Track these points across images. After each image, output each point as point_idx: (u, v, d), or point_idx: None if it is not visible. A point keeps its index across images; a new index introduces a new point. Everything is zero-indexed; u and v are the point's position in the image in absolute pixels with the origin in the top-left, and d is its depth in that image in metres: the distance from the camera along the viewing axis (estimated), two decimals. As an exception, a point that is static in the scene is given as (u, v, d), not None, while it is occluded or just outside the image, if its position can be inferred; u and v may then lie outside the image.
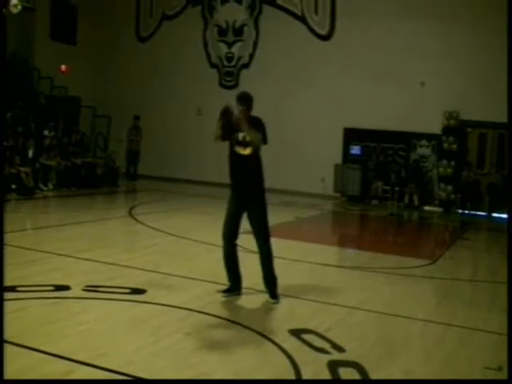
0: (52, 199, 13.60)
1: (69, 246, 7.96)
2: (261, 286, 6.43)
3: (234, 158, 5.95)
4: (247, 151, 5.87)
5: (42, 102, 17.21)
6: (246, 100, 5.98)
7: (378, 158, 16.53)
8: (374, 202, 16.21)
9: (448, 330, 5.50)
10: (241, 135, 5.88)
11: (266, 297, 6.12)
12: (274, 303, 5.91)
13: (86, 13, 19.08)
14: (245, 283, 6.25)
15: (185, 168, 17.87)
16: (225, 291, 6.05)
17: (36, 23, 17.67)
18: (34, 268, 6.66)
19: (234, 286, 6.09)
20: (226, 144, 6.02)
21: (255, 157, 5.92)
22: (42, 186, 13.98)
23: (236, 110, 5.92)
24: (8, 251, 6.50)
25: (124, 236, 10.02)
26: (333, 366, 4.30)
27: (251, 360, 4.41)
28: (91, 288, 5.93)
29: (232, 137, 5.90)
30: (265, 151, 17.21)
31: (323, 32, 17.10)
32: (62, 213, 11.80)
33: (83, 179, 15.18)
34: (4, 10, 13.10)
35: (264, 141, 5.96)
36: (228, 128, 5.86)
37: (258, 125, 5.93)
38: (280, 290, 6.33)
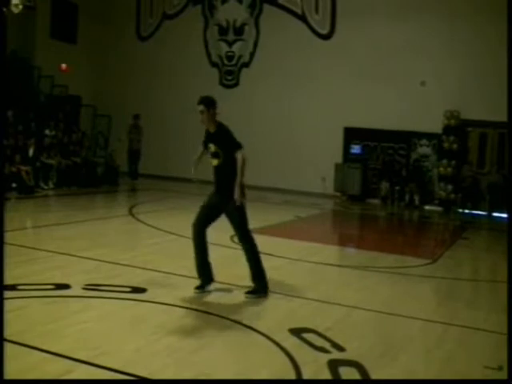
0: (52, 198, 13.60)
1: (69, 244, 7.95)
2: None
3: (212, 167, 6.07)
4: (214, 162, 5.98)
5: (42, 100, 17.22)
6: (206, 102, 5.97)
7: (384, 157, 16.50)
8: (375, 201, 16.23)
9: (448, 329, 5.49)
10: (210, 146, 6.00)
11: (266, 295, 6.12)
12: (248, 298, 5.91)
13: (86, 12, 19.10)
14: (245, 283, 6.24)
15: (185, 167, 17.82)
16: (198, 287, 6.02)
17: (36, 22, 17.70)
18: (34, 267, 6.66)
19: (205, 283, 6.06)
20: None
21: (224, 167, 5.93)
22: (42, 184, 13.98)
23: (202, 114, 5.95)
24: (8, 250, 6.51)
25: (124, 235, 10.00)
26: (333, 365, 4.29)
27: (251, 359, 4.41)
28: (91, 287, 5.92)
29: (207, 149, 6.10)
30: (265, 150, 17.10)
31: (324, 31, 17.10)
32: (63, 211, 11.81)
33: (84, 178, 15.18)
34: (5, 9, 13.09)
35: (233, 147, 5.89)
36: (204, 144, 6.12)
37: (221, 134, 5.95)
38: (280, 289, 6.35)
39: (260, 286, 6.03)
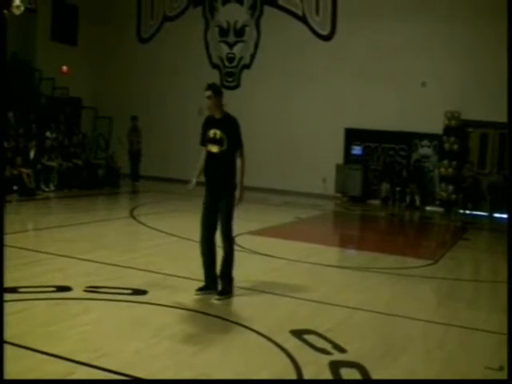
0: (53, 200, 13.60)
1: (70, 247, 7.95)
2: (261, 286, 6.48)
3: (208, 155, 6.04)
4: (215, 149, 5.94)
5: (43, 102, 17.23)
6: (214, 89, 5.99)
7: (384, 158, 16.50)
8: (376, 202, 16.24)
9: (449, 330, 5.49)
10: (211, 132, 5.96)
11: (267, 297, 6.12)
12: (219, 299, 5.87)
13: (86, 14, 19.10)
14: (245, 284, 6.24)
15: (186, 168, 17.82)
16: (200, 289, 6.02)
17: (37, 24, 17.70)
18: (35, 269, 6.66)
19: (209, 285, 6.05)
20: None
21: (225, 155, 5.92)
22: (43, 187, 13.99)
23: (209, 99, 5.94)
24: (10, 252, 6.50)
25: (125, 237, 10.00)
26: (334, 366, 4.29)
27: (252, 360, 4.41)
28: (92, 289, 5.92)
29: (206, 137, 6.04)
30: (266, 152, 17.11)
31: (324, 32, 17.09)
32: (64, 214, 11.81)
33: (85, 180, 15.18)
34: (5, 12, 13.09)
35: (236, 144, 5.94)
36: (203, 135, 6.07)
37: (230, 123, 5.97)
38: (281, 290, 6.36)
39: (228, 286, 6.01)
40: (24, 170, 13.13)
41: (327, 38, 17.06)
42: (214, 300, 5.87)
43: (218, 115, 6.00)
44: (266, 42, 17.79)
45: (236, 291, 6.10)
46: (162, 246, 8.61)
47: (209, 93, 5.93)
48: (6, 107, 13.73)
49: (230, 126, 5.95)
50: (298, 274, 7.46)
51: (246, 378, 4.07)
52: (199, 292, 5.99)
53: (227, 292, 5.97)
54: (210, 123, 6.04)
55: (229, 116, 6.02)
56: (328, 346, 4.69)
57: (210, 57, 18.67)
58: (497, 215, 14.73)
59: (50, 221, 10.81)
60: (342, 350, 4.63)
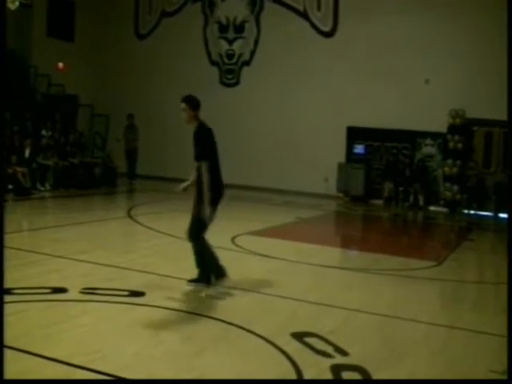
0: (49, 200, 13.49)
1: (66, 247, 7.87)
2: (262, 287, 6.42)
3: None
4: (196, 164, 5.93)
5: (38, 100, 17.08)
6: (189, 101, 5.88)
7: (387, 157, 16.36)
8: (378, 202, 16.11)
9: (452, 332, 5.42)
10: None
11: (267, 298, 6.06)
12: (188, 284, 6.06)
13: (83, 10, 18.96)
14: (245, 285, 6.19)
15: (184, 168, 17.68)
16: (191, 280, 6.12)
17: (33, 20, 17.55)
18: (30, 270, 6.57)
19: (200, 278, 6.14)
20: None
21: (196, 166, 5.87)
22: (39, 186, 13.83)
23: (184, 112, 5.86)
24: (5, 253, 6.37)
25: (122, 237, 9.93)
26: (336, 369, 4.22)
27: (252, 363, 4.33)
28: (89, 290, 5.83)
29: None
30: (266, 151, 16.96)
31: (326, 29, 16.96)
32: (60, 214, 11.70)
33: (81, 179, 15.01)
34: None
35: (197, 154, 5.85)
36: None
37: (196, 136, 5.88)
38: (282, 291, 6.30)
39: (201, 277, 6.09)
40: (19, 169, 12.96)
41: (329, 35, 16.93)
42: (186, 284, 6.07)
43: (194, 128, 5.91)
44: (266, 38, 17.67)
45: (236, 292, 6.05)
46: (160, 246, 8.53)
47: (183, 105, 5.85)
48: (4, 107, 13.57)
49: (196, 140, 5.88)
50: (299, 275, 7.39)
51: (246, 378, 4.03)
52: (190, 283, 6.09)
53: (198, 281, 6.06)
54: None
55: (198, 129, 5.89)
56: (329, 349, 4.62)
57: (209, 53, 18.53)
58: (502, 215, 14.56)
59: (46, 221, 10.73)
60: (343, 353, 4.55)
